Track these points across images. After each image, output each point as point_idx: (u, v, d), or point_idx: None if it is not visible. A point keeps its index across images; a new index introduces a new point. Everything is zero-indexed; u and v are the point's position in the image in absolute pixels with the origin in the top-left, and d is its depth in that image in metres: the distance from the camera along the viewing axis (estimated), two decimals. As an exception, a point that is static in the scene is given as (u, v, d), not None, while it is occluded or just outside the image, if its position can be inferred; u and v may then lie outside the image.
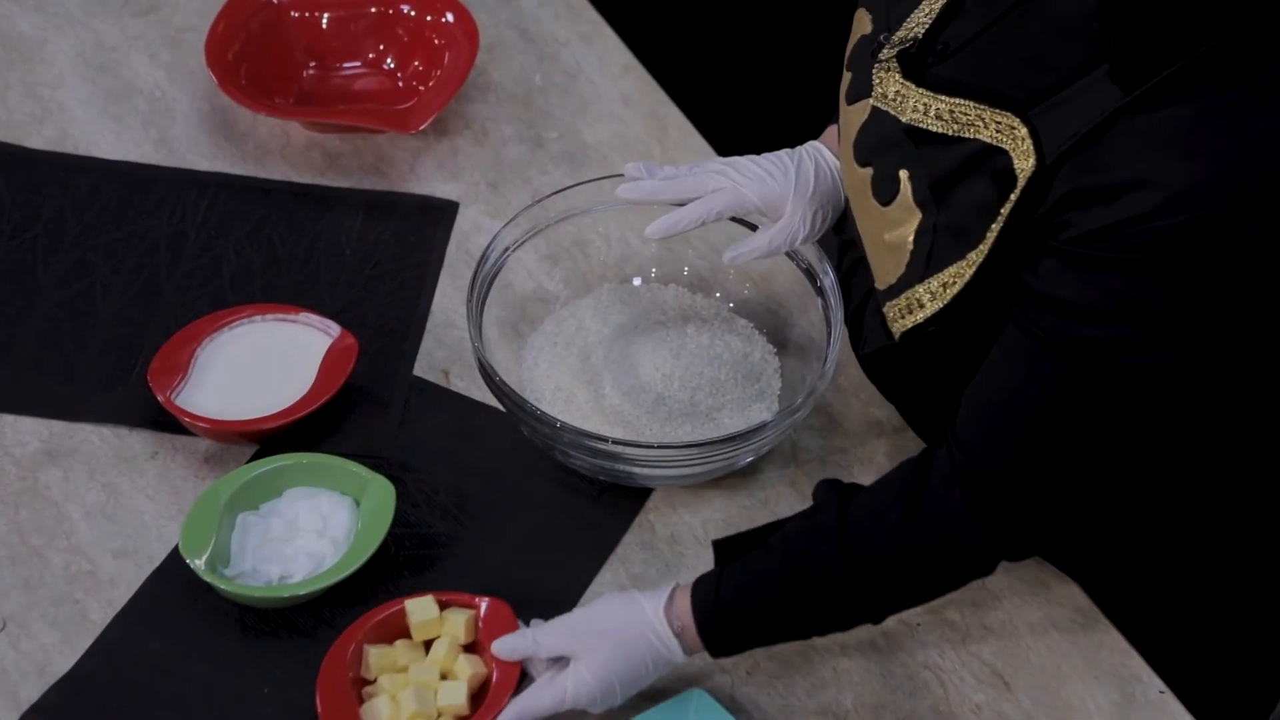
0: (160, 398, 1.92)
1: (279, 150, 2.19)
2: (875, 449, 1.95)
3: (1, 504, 1.89)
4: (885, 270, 1.69)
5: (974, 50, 1.61)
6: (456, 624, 1.77)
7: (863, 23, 1.74)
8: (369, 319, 2.04)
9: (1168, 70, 1.49)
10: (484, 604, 1.78)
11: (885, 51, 1.67)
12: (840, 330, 1.89)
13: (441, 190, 2.16)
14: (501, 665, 1.74)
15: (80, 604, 1.83)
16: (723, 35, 3.29)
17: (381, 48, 2.27)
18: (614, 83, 2.28)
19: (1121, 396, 1.57)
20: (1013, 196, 1.56)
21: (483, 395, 1.96)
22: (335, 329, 1.98)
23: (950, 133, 1.60)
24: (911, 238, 1.65)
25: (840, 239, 1.98)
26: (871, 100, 1.68)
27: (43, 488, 1.91)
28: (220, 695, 1.77)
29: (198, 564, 1.80)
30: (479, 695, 1.74)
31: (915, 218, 1.64)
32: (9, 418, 1.95)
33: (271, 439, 1.92)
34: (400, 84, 2.25)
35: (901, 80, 1.65)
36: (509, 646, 1.74)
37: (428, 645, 1.78)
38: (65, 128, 2.21)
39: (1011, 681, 1.81)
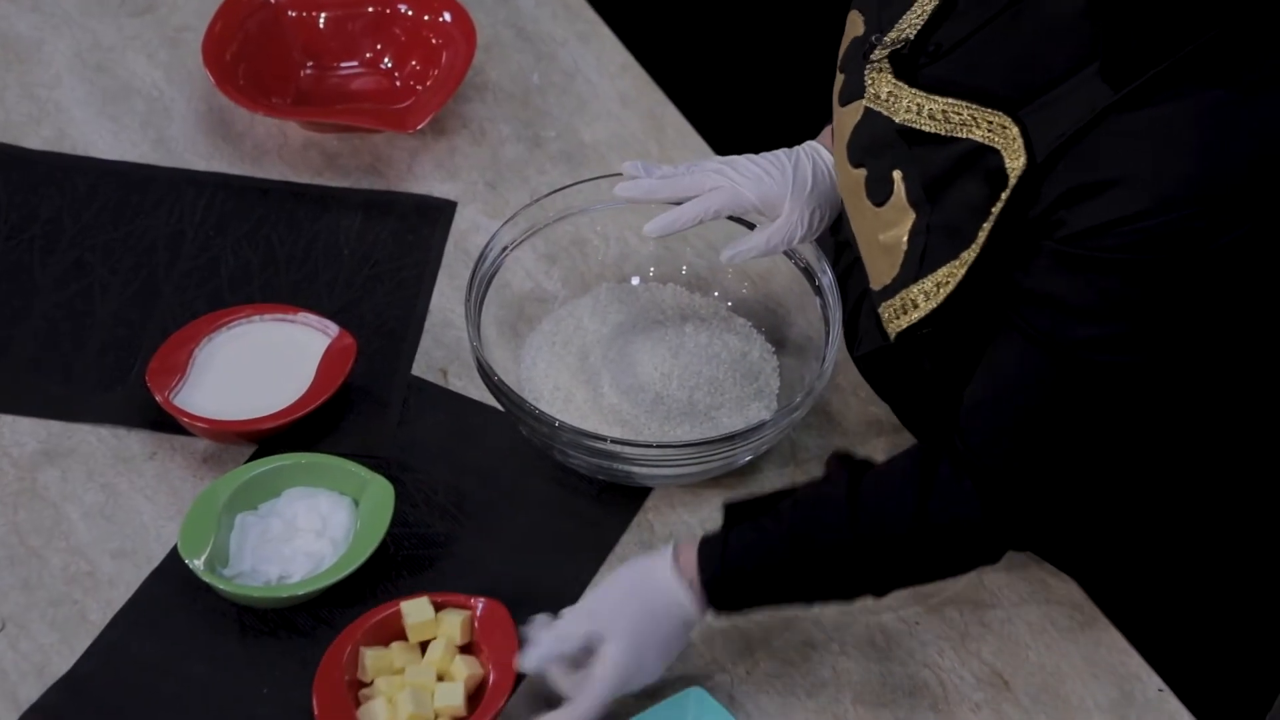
0: (158, 398, 1.92)
1: (277, 150, 2.19)
2: (874, 448, 1.95)
3: (0, 504, 1.89)
4: (880, 271, 1.70)
5: (966, 50, 1.62)
6: (452, 625, 1.76)
7: (855, 24, 1.75)
8: (367, 319, 2.04)
9: (1156, 69, 1.49)
10: (480, 605, 1.78)
11: (877, 52, 1.67)
12: (839, 329, 1.89)
13: (439, 190, 2.16)
14: (498, 666, 1.74)
15: (79, 604, 1.83)
16: (720, 35, 3.29)
17: (379, 47, 2.27)
18: (612, 82, 2.28)
19: (1113, 393, 1.57)
20: (1003, 196, 1.56)
21: (481, 395, 1.96)
22: (333, 329, 1.98)
23: (943, 133, 1.61)
24: (905, 238, 1.65)
25: (836, 240, 1.98)
26: (864, 101, 1.68)
27: (41, 488, 1.91)
28: (219, 695, 1.77)
29: (196, 564, 1.80)
30: (476, 696, 1.74)
31: (909, 218, 1.64)
32: (7, 418, 1.95)
33: (270, 439, 1.92)
34: (398, 83, 2.25)
35: (894, 81, 1.65)
36: (540, 655, 1.71)
37: (424, 647, 1.77)
38: (63, 128, 2.21)
39: (1011, 680, 1.81)
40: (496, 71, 2.28)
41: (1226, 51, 1.49)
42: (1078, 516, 1.68)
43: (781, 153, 1.89)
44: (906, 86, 1.64)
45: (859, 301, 1.91)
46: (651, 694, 1.78)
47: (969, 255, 1.60)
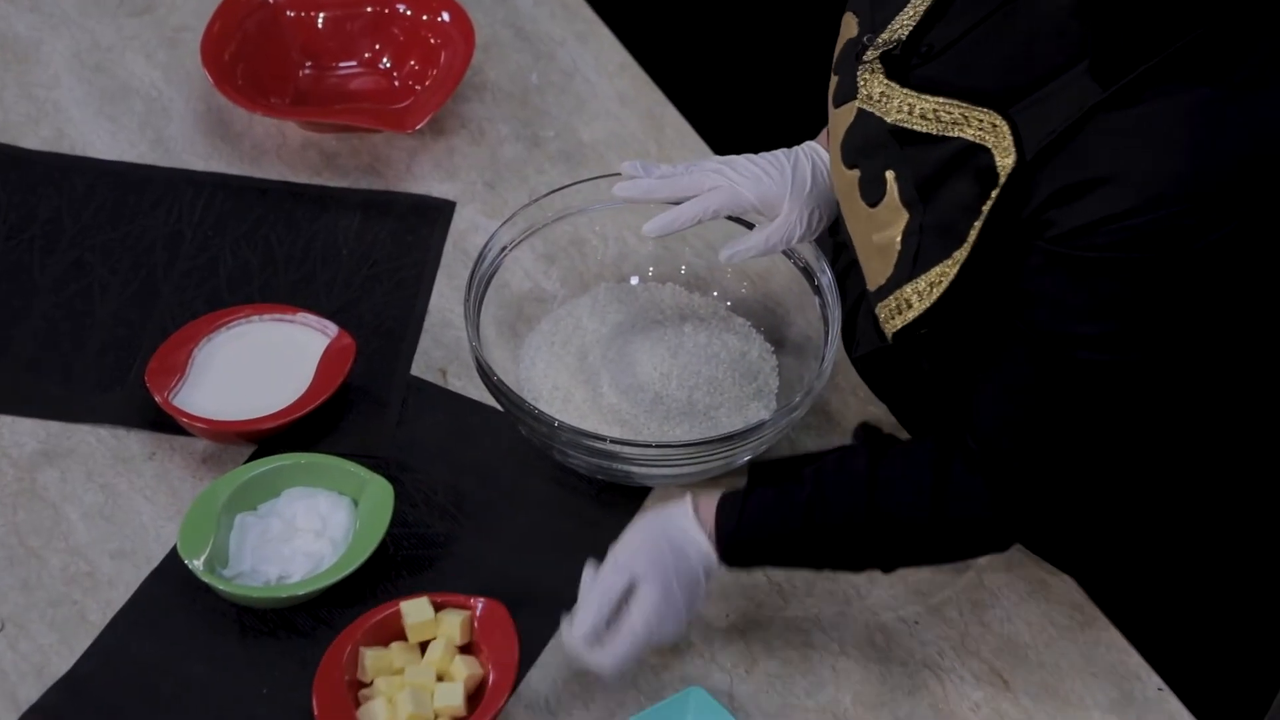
0: (158, 398, 1.92)
1: (275, 150, 2.19)
2: (873, 447, 1.95)
3: (0, 505, 1.90)
4: (875, 271, 1.70)
5: (958, 51, 1.62)
6: (452, 625, 1.76)
7: (849, 26, 1.75)
8: (366, 319, 2.04)
9: (1144, 66, 1.49)
10: (479, 605, 1.78)
11: (870, 53, 1.67)
12: (838, 329, 1.89)
13: (438, 190, 2.16)
14: (498, 666, 1.74)
15: (79, 605, 1.83)
16: (719, 34, 3.29)
17: (377, 47, 2.27)
18: (610, 82, 2.28)
19: (1112, 390, 1.58)
20: (994, 194, 1.57)
21: (480, 395, 1.96)
22: (333, 329, 1.98)
23: (935, 132, 1.61)
24: (899, 239, 1.65)
25: (835, 240, 1.98)
26: (857, 102, 1.69)
27: (40, 489, 1.91)
28: (219, 696, 1.77)
29: (196, 565, 1.80)
30: (475, 696, 1.74)
31: (902, 218, 1.65)
32: (6, 419, 1.95)
33: (269, 439, 1.92)
34: (396, 83, 2.25)
35: (886, 81, 1.65)
36: (582, 627, 1.71)
37: (424, 647, 1.77)
38: (61, 128, 2.21)
39: (1010, 680, 1.81)
40: (495, 71, 2.28)
41: (1214, 49, 1.50)
42: (1082, 511, 1.68)
43: (781, 153, 1.89)
44: (898, 87, 1.64)
45: (857, 302, 1.91)
46: (651, 693, 1.78)
47: (961, 254, 1.60)
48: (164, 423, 1.94)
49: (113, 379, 1.98)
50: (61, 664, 1.79)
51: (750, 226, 1.94)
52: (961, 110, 1.59)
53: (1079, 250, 1.52)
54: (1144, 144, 1.50)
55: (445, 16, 2.25)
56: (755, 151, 1.90)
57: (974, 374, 1.66)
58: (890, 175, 1.65)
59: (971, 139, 1.58)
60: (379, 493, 1.85)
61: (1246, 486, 1.82)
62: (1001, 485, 1.65)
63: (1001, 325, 1.62)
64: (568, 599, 1.83)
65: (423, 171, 2.18)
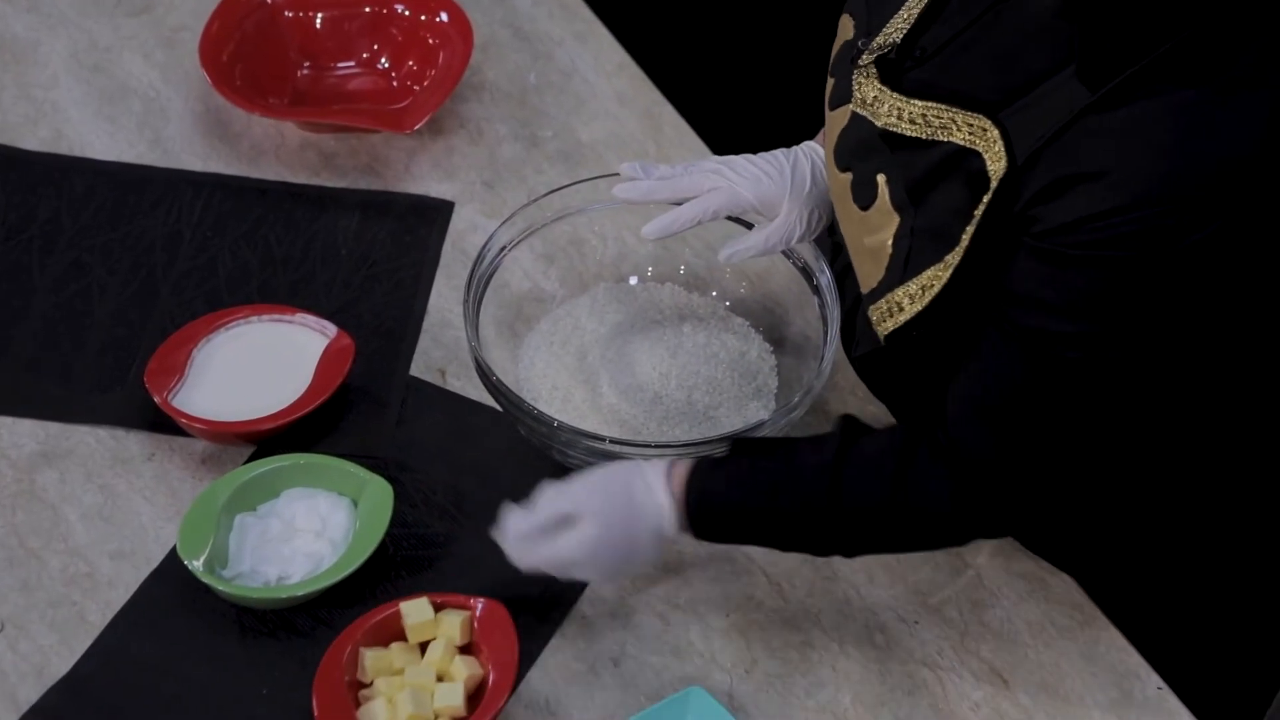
0: (157, 399, 1.92)
1: (274, 150, 2.19)
2: (872, 447, 1.95)
3: (-1, 506, 1.90)
4: (867, 274, 1.70)
5: (949, 53, 1.63)
6: (452, 625, 1.76)
7: (846, 29, 1.75)
8: (365, 319, 2.04)
9: (1131, 69, 1.50)
10: (479, 605, 1.78)
11: (864, 57, 1.68)
12: (837, 328, 1.89)
13: (437, 190, 2.16)
14: (498, 666, 1.74)
15: (78, 606, 1.83)
16: (717, 34, 3.29)
17: (376, 47, 2.27)
18: (609, 81, 2.28)
19: (1090, 388, 1.58)
20: (985, 199, 1.57)
21: (479, 395, 1.96)
22: (332, 329, 1.98)
23: (924, 136, 1.62)
24: (890, 242, 1.66)
25: (834, 240, 1.98)
26: (851, 106, 1.69)
27: (40, 489, 1.91)
28: (218, 696, 1.77)
29: (196, 565, 1.80)
30: (475, 696, 1.74)
31: (893, 222, 1.65)
32: (5, 419, 1.95)
33: (269, 440, 1.92)
34: (395, 84, 2.25)
35: (879, 85, 1.65)
36: (517, 529, 1.73)
37: (424, 647, 1.77)
38: (60, 128, 2.20)
39: (1010, 679, 1.81)
40: (493, 71, 2.28)
41: (1200, 52, 1.50)
42: (1057, 509, 1.69)
43: (780, 153, 1.89)
44: (889, 91, 1.65)
45: (856, 302, 1.91)
46: (651, 693, 1.78)
47: (953, 258, 1.61)
48: (163, 423, 1.94)
49: (112, 380, 1.98)
50: (61, 665, 1.79)
51: (749, 226, 1.94)
52: (950, 114, 1.60)
53: (1061, 246, 1.53)
54: (1129, 144, 1.50)
55: (443, 16, 2.25)
56: (754, 151, 1.90)
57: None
58: (881, 179, 1.66)
59: (962, 143, 1.59)
60: (378, 493, 1.85)
61: (1246, 486, 1.82)
62: (965, 478, 1.65)
63: (984, 321, 1.62)
64: (568, 599, 1.83)
65: (421, 171, 2.18)
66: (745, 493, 1.72)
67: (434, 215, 2.13)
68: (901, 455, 1.67)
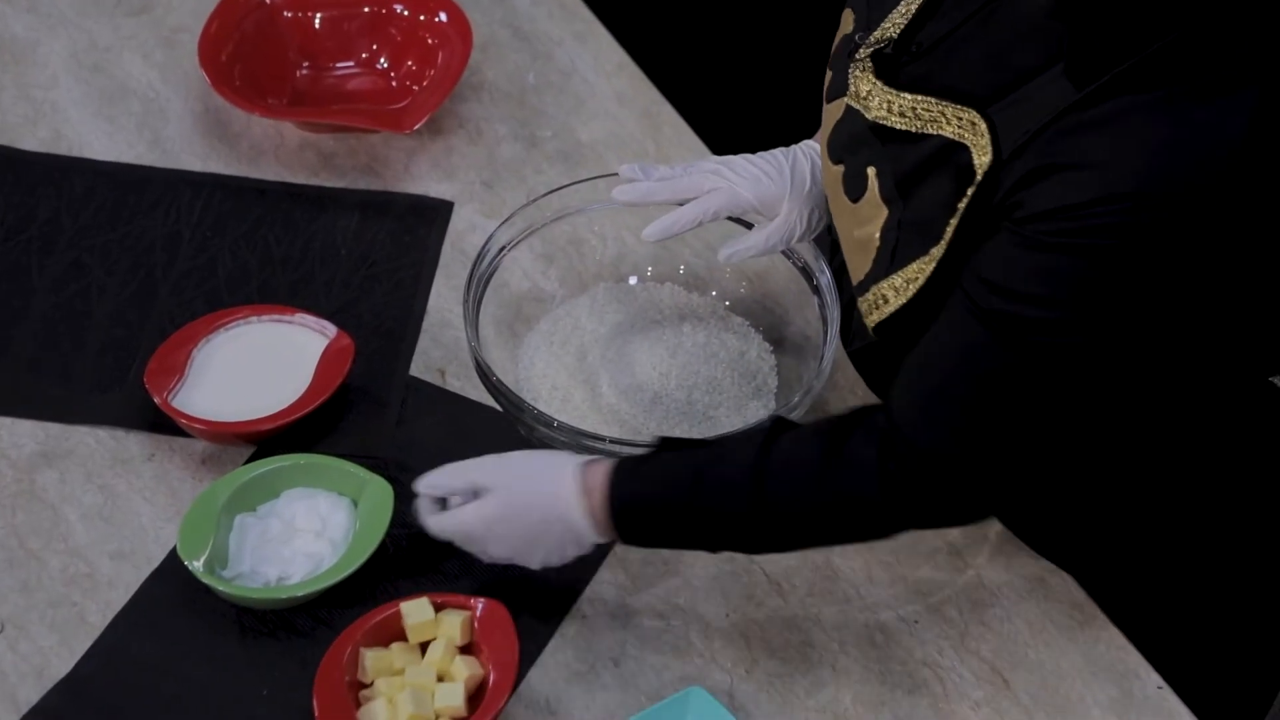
0: (157, 399, 1.92)
1: (273, 151, 2.19)
2: (872, 446, 1.95)
3: (-2, 506, 1.90)
4: (857, 266, 1.71)
5: (944, 49, 1.64)
6: (452, 625, 1.76)
7: (847, 22, 1.76)
8: (365, 319, 2.04)
9: (1117, 69, 1.50)
10: (480, 605, 1.78)
11: (862, 51, 1.68)
12: (836, 328, 1.89)
13: (436, 190, 2.16)
14: (498, 666, 1.74)
15: (78, 606, 1.83)
16: (716, 33, 3.29)
17: (375, 47, 2.27)
18: (608, 81, 2.28)
19: (1054, 375, 1.58)
20: (970, 191, 1.57)
21: (479, 395, 1.96)
22: (331, 329, 1.98)
23: (913, 129, 1.63)
24: (878, 234, 1.67)
25: (832, 239, 1.98)
26: (846, 99, 1.70)
27: (40, 490, 1.91)
28: (219, 696, 1.77)
29: (196, 566, 1.80)
30: (476, 697, 1.74)
31: (882, 214, 1.66)
32: (5, 420, 1.95)
33: (269, 440, 1.92)
34: (394, 84, 2.25)
35: (872, 79, 1.66)
36: (433, 481, 1.78)
37: (424, 647, 1.77)
38: (59, 129, 2.20)
39: (1010, 678, 1.81)
40: (493, 71, 2.28)
41: (1187, 53, 1.51)
42: (1002, 495, 1.68)
43: (779, 152, 1.89)
44: (881, 84, 1.65)
45: (853, 298, 1.91)
46: (651, 693, 1.78)
47: (938, 251, 1.62)
48: (163, 424, 1.93)
49: (112, 380, 1.98)
50: (62, 665, 1.79)
51: (749, 226, 1.94)
52: (941, 108, 1.60)
53: (1041, 233, 1.54)
54: (1111, 140, 1.51)
55: (443, 16, 2.25)
56: (753, 150, 1.90)
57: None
58: (872, 171, 1.67)
59: (951, 137, 1.60)
60: (379, 493, 1.85)
61: (1246, 485, 1.82)
62: (906, 465, 1.63)
63: (951, 303, 1.62)
64: (568, 599, 1.83)
65: (421, 171, 2.18)
66: (667, 491, 1.71)
67: (433, 215, 2.13)
68: (828, 444, 1.66)
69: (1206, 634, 1.88)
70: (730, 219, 1.92)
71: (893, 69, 1.66)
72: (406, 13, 2.26)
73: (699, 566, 1.87)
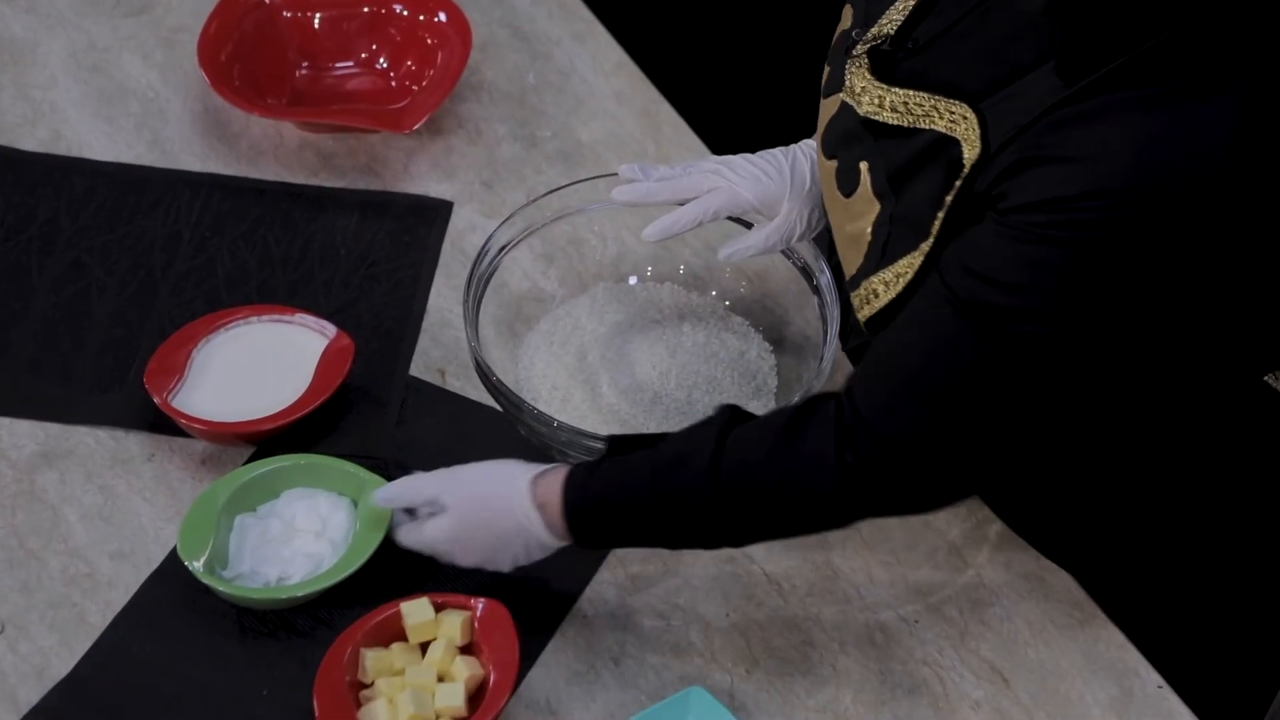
0: (157, 399, 1.92)
1: (272, 151, 2.19)
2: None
3: (-2, 507, 1.90)
4: (849, 261, 1.72)
5: (940, 45, 1.64)
6: (453, 625, 1.76)
7: (846, 17, 1.77)
8: (365, 319, 2.04)
9: (1108, 66, 1.50)
10: (480, 605, 1.78)
11: (859, 48, 1.69)
12: (836, 328, 1.89)
13: (436, 190, 2.16)
14: (499, 666, 1.74)
15: (78, 607, 1.83)
16: (715, 33, 3.29)
17: (374, 47, 2.27)
18: (607, 81, 2.28)
19: (1025, 366, 1.57)
20: (956, 184, 1.58)
21: (479, 395, 1.96)
22: (331, 330, 1.98)
23: (905, 124, 1.63)
24: (869, 229, 1.67)
25: (830, 237, 1.98)
26: (841, 95, 1.70)
27: (39, 490, 1.91)
28: (219, 697, 1.77)
29: (196, 566, 1.80)
30: (476, 697, 1.74)
31: (874, 209, 1.66)
32: (5, 420, 1.95)
33: (269, 440, 1.92)
34: (393, 84, 2.25)
35: (867, 75, 1.66)
36: (390, 495, 1.79)
37: (424, 647, 1.77)
38: (58, 129, 2.20)
39: (1010, 678, 1.81)
40: (492, 71, 2.28)
41: (1179, 52, 1.51)
42: (965, 485, 1.68)
43: (778, 151, 1.89)
44: (873, 80, 1.66)
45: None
46: (652, 693, 1.78)
47: (926, 246, 1.62)
48: (163, 424, 1.93)
49: (111, 380, 1.98)
50: (62, 666, 1.79)
51: (749, 226, 1.94)
52: (933, 102, 1.61)
53: (1026, 224, 1.53)
54: (1098, 136, 1.52)
55: (442, 16, 2.25)
56: (752, 149, 1.90)
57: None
58: (864, 166, 1.67)
59: (943, 131, 1.60)
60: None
61: (1245, 484, 1.82)
62: (858, 455, 1.62)
63: (926, 290, 1.62)
64: (568, 599, 1.83)
65: (420, 171, 2.18)
66: (625, 491, 1.70)
67: (433, 215, 2.13)
68: (783, 438, 1.65)
69: (1206, 633, 1.88)
70: (730, 219, 1.92)
71: (889, 65, 1.66)
72: (406, 13, 2.26)
73: (699, 566, 1.87)
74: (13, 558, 1.86)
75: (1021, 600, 1.86)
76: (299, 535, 1.84)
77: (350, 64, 2.27)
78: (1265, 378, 1.75)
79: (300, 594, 1.79)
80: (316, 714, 1.71)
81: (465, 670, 1.74)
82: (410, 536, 1.78)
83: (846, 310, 1.92)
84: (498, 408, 1.90)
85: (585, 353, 1.97)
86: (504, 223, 1.97)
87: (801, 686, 1.80)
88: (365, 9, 2.27)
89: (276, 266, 2.08)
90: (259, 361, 1.96)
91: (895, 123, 1.64)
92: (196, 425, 1.90)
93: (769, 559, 1.87)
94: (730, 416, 1.70)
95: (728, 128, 2.36)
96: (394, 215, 2.13)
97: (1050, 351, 1.56)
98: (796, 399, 1.85)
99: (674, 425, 1.91)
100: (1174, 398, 1.71)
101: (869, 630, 1.83)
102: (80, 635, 1.81)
